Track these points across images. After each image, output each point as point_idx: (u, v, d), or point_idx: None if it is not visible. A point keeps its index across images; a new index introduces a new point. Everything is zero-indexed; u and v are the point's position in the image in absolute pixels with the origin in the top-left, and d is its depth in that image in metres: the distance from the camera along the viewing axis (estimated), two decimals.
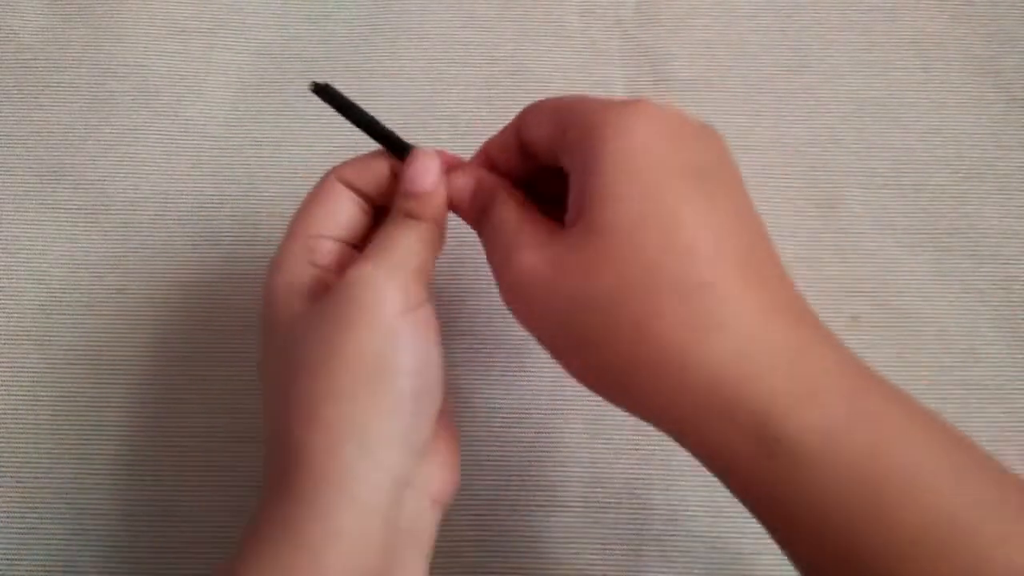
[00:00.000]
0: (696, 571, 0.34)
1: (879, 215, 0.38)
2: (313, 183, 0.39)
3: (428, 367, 0.26)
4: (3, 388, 0.37)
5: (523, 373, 0.36)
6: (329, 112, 0.40)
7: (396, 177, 0.29)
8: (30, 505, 0.35)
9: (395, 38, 0.42)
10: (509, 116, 0.40)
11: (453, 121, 0.40)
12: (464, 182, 0.28)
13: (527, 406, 0.36)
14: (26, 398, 0.37)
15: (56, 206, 0.39)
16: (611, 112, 0.24)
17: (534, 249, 0.24)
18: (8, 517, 0.35)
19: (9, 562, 0.35)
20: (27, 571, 0.35)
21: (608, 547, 0.34)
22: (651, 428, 0.34)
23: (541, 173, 0.28)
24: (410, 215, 0.27)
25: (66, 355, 0.37)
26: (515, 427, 0.36)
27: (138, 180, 0.39)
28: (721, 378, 0.21)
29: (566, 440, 0.35)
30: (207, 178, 0.40)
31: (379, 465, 0.24)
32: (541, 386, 0.36)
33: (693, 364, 0.22)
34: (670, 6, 0.42)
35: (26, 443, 0.36)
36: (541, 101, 0.27)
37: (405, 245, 0.27)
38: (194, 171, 0.40)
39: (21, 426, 0.36)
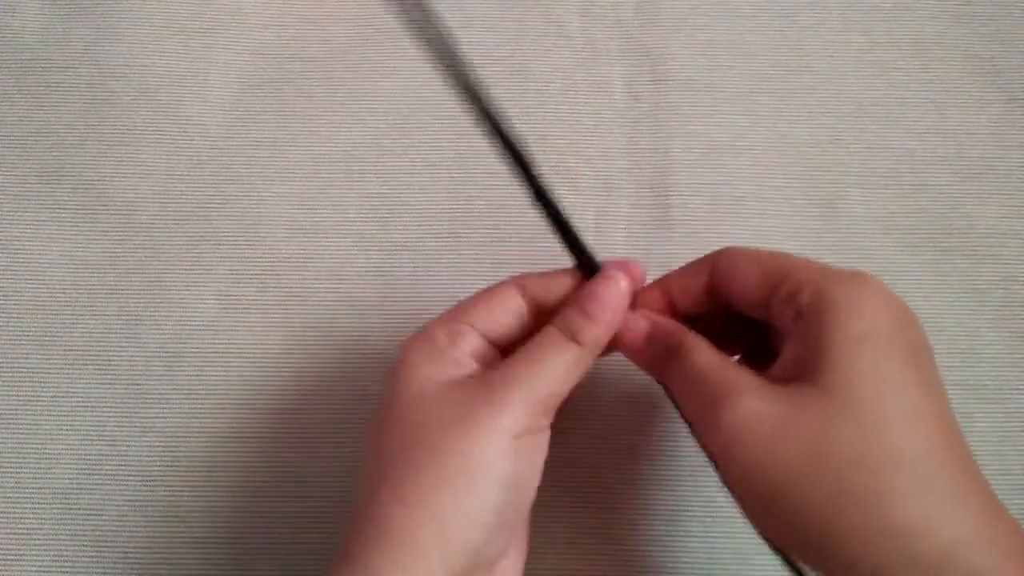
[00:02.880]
0: (696, 571, 0.34)
1: (879, 215, 0.38)
2: (313, 183, 0.39)
3: (521, 490, 0.26)
4: (3, 388, 0.37)
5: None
6: (329, 112, 0.41)
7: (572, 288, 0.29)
8: (30, 505, 0.35)
9: (395, 38, 0.41)
10: (509, 116, 0.40)
11: (453, 121, 0.40)
12: (638, 322, 0.28)
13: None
14: (26, 398, 0.37)
15: (56, 206, 0.39)
16: (845, 286, 0.25)
17: (759, 395, 0.24)
18: (8, 517, 0.35)
19: (9, 562, 0.35)
20: (27, 571, 0.35)
21: (608, 547, 0.34)
22: (651, 428, 0.34)
23: (723, 317, 0.28)
24: (573, 337, 0.27)
25: (66, 355, 0.37)
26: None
27: (138, 180, 0.39)
28: (951, 557, 0.22)
29: (566, 440, 0.35)
30: (207, 178, 0.40)
31: (448, 563, 0.24)
32: None
33: (924, 545, 0.22)
34: (670, 6, 0.42)
35: (26, 443, 0.36)
36: (740, 252, 0.28)
37: (554, 370, 0.27)
38: (194, 171, 0.40)
39: (21, 426, 0.36)
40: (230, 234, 0.39)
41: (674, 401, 0.28)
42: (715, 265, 0.28)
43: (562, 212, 0.29)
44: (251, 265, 0.38)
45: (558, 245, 0.29)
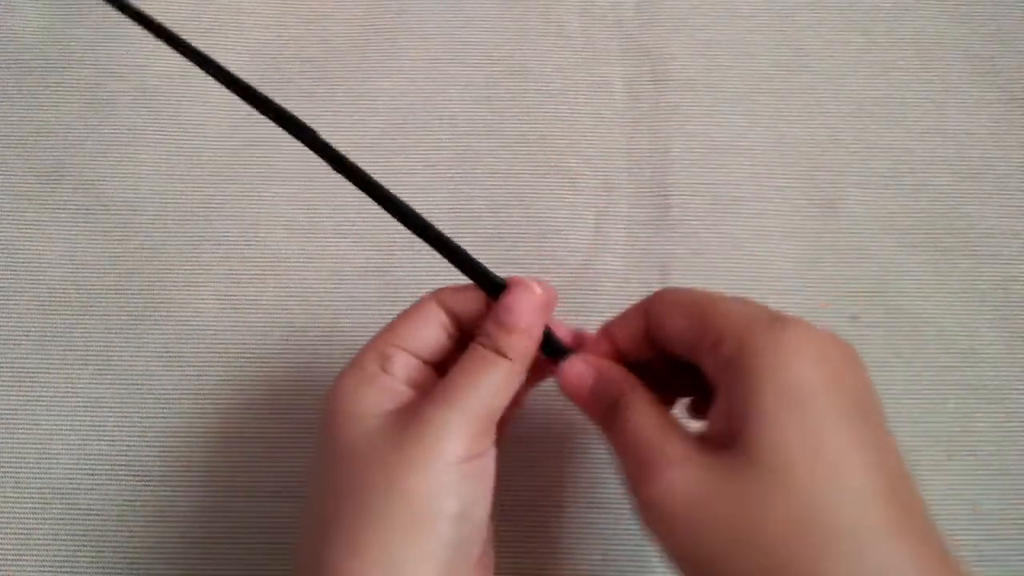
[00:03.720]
0: None
1: (879, 215, 0.38)
2: (313, 183, 0.39)
3: (473, 519, 0.26)
4: (3, 388, 0.37)
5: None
6: (329, 112, 0.41)
7: (489, 307, 0.28)
8: (30, 505, 0.35)
9: (395, 38, 0.42)
10: (508, 116, 0.40)
11: (453, 121, 0.40)
12: (582, 370, 0.28)
13: (527, 407, 0.36)
14: (26, 398, 0.37)
15: (56, 206, 0.39)
16: (771, 335, 0.23)
17: (683, 468, 0.23)
18: (8, 517, 0.35)
19: (9, 562, 0.35)
20: (26, 571, 0.35)
21: (608, 547, 0.34)
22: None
23: (664, 360, 0.27)
24: (498, 351, 0.26)
25: (66, 355, 0.37)
26: (515, 427, 0.36)
27: (137, 180, 0.39)
28: None
29: (566, 440, 0.35)
30: (207, 178, 0.40)
31: None
32: (540, 387, 0.36)
33: None
34: (670, 6, 0.42)
35: (26, 443, 0.36)
36: (673, 293, 0.27)
37: (486, 387, 0.26)
38: (194, 171, 0.40)
39: (22, 426, 0.36)
40: (230, 234, 0.39)
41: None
42: (649, 310, 0.27)
43: (440, 234, 0.29)
44: (251, 265, 0.38)
45: (465, 268, 0.28)
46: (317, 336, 0.37)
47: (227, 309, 0.38)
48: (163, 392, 0.37)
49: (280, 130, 0.41)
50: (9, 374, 0.37)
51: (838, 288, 0.37)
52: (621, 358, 0.28)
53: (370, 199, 0.29)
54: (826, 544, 0.21)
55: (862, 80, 0.40)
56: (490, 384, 0.26)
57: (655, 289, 0.37)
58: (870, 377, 0.24)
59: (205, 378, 0.37)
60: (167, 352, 0.37)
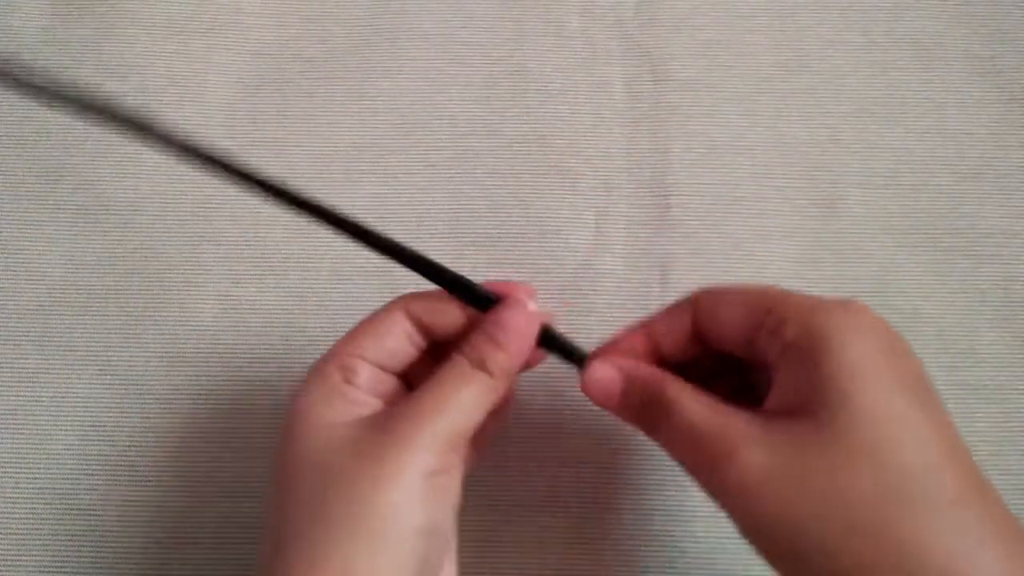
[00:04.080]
0: (696, 571, 0.34)
1: (879, 215, 0.38)
2: (313, 183, 0.39)
3: (438, 536, 0.25)
4: (3, 388, 0.37)
5: (523, 373, 0.36)
6: (329, 112, 0.41)
7: (471, 320, 0.27)
8: (29, 506, 0.35)
9: (395, 38, 0.42)
10: (508, 116, 0.40)
11: (453, 121, 0.40)
12: (608, 374, 0.27)
13: (527, 405, 0.36)
14: (26, 398, 0.37)
15: (56, 206, 0.39)
16: (835, 316, 0.24)
17: (758, 446, 0.23)
18: (8, 517, 0.35)
19: (9, 562, 0.35)
20: (26, 571, 0.35)
21: (608, 547, 0.34)
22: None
23: (706, 359, 0.27)
24: (481, 366, 0.26)
25: (66, 355, 0.37)
26: (515, 427, 0.36)
27: (138, 180, 0.39)
28: None
29: (566, 440, 0.35)
30: (207, 178, 0.39)
31: None
32: (541, 386, 0.36)
33: None
34: (670, 6, 0.42)
35: (26, 443, 0.36)
36: (721, 291, 0.27)
37: (462, 404, 0.25)
38: (194, 171, 0.40)
39: (21, 426, 0.36)
40: (230, 234, 0.39)
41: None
42: (698, 305, 0.27)
43: (419, 255, 0.28)
44: (251, 265, 0.38)
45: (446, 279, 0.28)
46: (317, 336, 0.37)
47: (227, 309, 0.38)
48: (163, 392, 0.37)
49: (280, 131, 0.41)
50: (9, 374, 0.37)
51: (838, 288, 0.37)
52: (658, 359, 0.28)
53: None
54: (912, 507, 0.22)
55: (862, 80, 0.40)
56: (466, 401, 0.26)
57: (655, 289, 0.37)
58: (920, 362, 0.25)
59: (205, 378, 0.37)
60: (167, 352, 0.37)
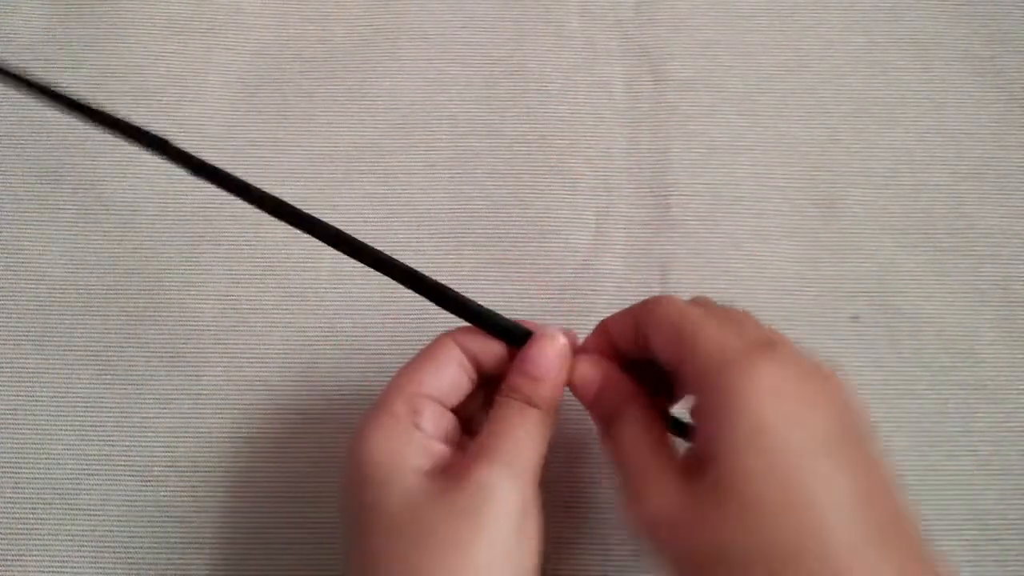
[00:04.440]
0: None
1: (879, 215, 0.38)
2: (313, 183, 0.39)
3: (530, 571, 0.26)
4: (3, 388, 0.37)
5: None
6: (329, 112, 0.41)
7: (512, 353, 0.28)
8: (29, 506, 0.35)
9: (395, 38, 0.42)
10: (508, 116, 0.40)
11: (453, 121, 0.40)
12: (589, 373, 0.28)
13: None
14: (26, 398, 0.37)
15: (56, 206, 0.39)
16: (738, 372, 0.24)
17: (667, 492, 0.25)
18: (8, 517, 0.35)
19: (8, 562, 0.35)
20: (27, 571, 0.35)
21: (608, 547, 0.34)
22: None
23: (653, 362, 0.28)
24: (528, 402, 0.27)
25: (66, 355, 0.37)
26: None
27: (138, 180, 0.39)
28: None
29: (567, 440, 0.35)
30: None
31: None
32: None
33: None
34: (670, 6, 0.42)
35: (26, 443, 0.36)
36: (662, 307, 0.27)
37: (526, 439, 0.27)
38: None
39: (21, 426, 0.36)
40: (230, 234, 0.39)
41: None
42: (637, 318, 0.28)
43: (475, 305, 0.28)
44: (251, 265, 0.38)
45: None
46: (317, 336, 0.37)
47: (227, 309, 0.38)
48: (163, 392, 0.37)
49: (280, 131, 0.41)
50: (9, 374, 0.37)
51: (838, 288, 0.37)
52: (619, 354, 0.29)
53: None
54: (797, 568, 0.22)
55: (862, 80, 0.40)
56: (529, 436, 0.27)
57: (655, 289, 0.37)
58: (850, 397, 0.25)
59: (205, 378, 0.37)
60: (167, 352, 0.37)
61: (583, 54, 0.41)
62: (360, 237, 0.38)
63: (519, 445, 0.26)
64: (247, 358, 0.37)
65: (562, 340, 0.28)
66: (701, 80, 0.40)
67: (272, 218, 0.39)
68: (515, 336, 0.28)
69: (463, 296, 0.29)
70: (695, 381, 0.25)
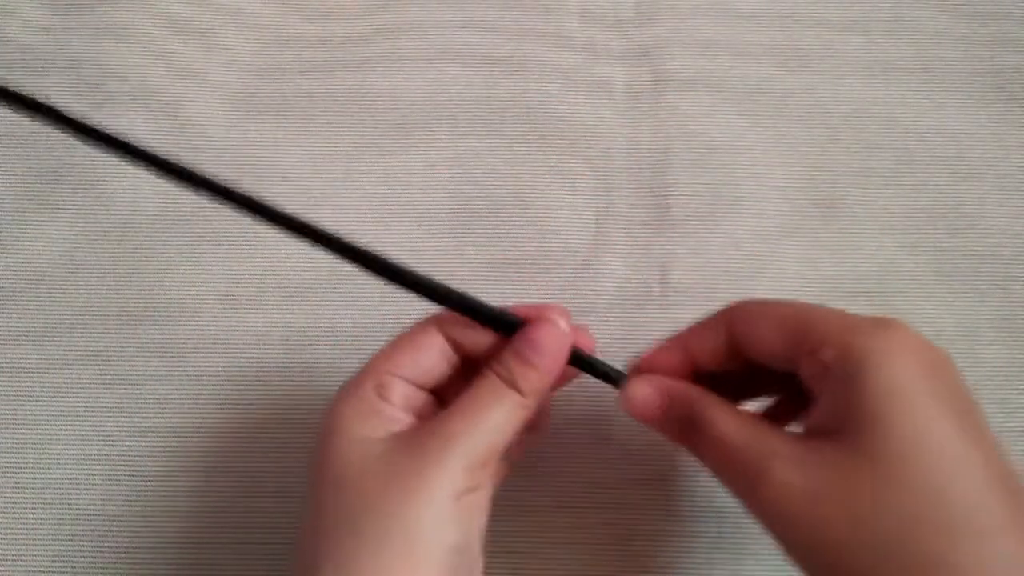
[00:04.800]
0: (696, 571, 0.34)
1: (879, 215, 0.38)
2: (313, 183, 0.39)
3: (469, 549, 0.25)
4: (3, 388, 0.37)
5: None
6: (329, 112, 0.41)
7: (503, 340, 0.27)
8: (29, 506, 0.35)
9: (395, 38, 0.42)
10: (508, 116, 0.40)
11: (453, 121, 0.40)
12: (649, 394, 0.27)
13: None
14: (26, 398, 0.37)
15: (56, 206, 0.39)
16: (874, 337, 0.24)
17: (794, 464, 0.23)
18: (7, 518, 0.35)
19: (8, 563, 0.35)
20: (26, 572, 0.35)
21: (608, 547, 0.34)
22: (651, 430, 0.34)
23: (742, 369, 0.27)
24: (512, 386, 0.26)
25: (65, 355, 0.37)
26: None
27: (138, 180, 0.39)
28: None
29: (567, 440, 0.35)
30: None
31: None
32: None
33: None
34: (670, 6, 0.42)
35: (25, 443, 0.36)
36: (757, 306, 0.27)
37: (493, 423, 0.26)
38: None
39: (21, 426, 0.36)
40: (230, 234, 0.39)
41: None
42: (731, 323, 0.27)
43: (468, 297, 0.28)
44: (251, 265, 0.38)
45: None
46: (317, 336, 0.37)
47: (227, 309, 0.38)
48: (163, 392, 0.37)
49: (280, 131, 0.41)
50: (9, 374, 0.37)
51: (838, 288, 0.37)
52: (693, 371, 0.28)
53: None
54: (950, 536, 0.21)
55: (862, 80, 0.40)
56: (496, 420, 0.26)
57: (655, 289, 0.37)
58: (962, 379, 0.25)
59: (205, 378, 0.37)
60: (167, 352, 0.37)
61: (583, 54, 0.41)
62: (360, 237, 0.39)
63: (483, 429, 0.25)
64: (247, 358, 0.37)
65: (564, 327, 0.27)
66: (701, 80, 0.40)
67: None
68: (508, 325, 0.28)
69: (453, 289, 0.28)
70: (820, 358, 0.24)
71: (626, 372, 0.29)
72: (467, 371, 0.28)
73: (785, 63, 0.41)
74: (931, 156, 0.39)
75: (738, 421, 0.25)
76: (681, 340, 0.28)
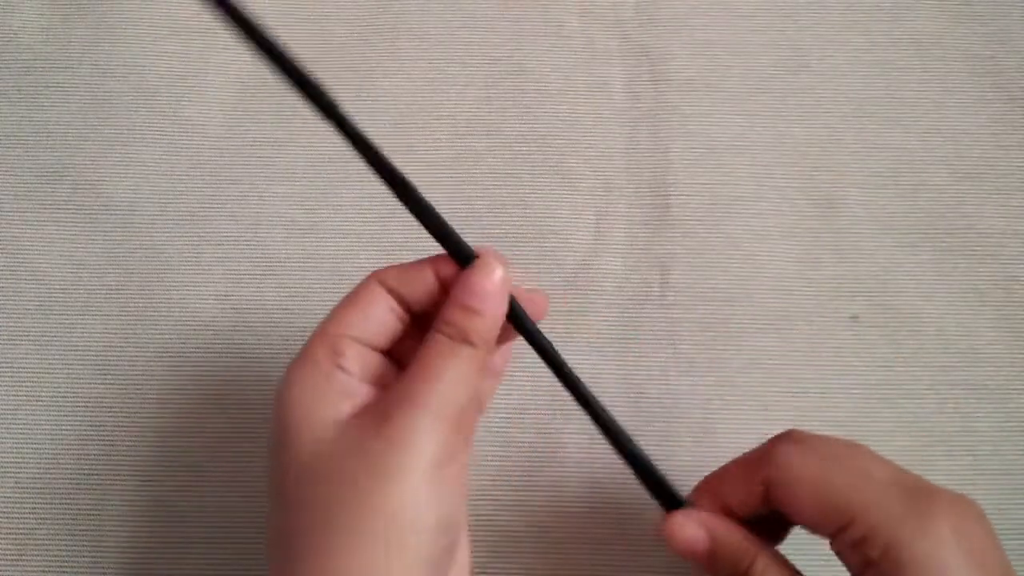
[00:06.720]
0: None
1: (879, 215, 0.38)
2: (313, 183, 0.39)
3: (452, 526, 0.24)
4: (3, 388, 0.37)
5: (524, 373, 0.36)
6: None
7: (444, 287, 0.26)
8: (29, 506, 0.35)
9: (395, 38, 0.42)
10: (508, 116, 0.40)
11: (452, 121, 0.40)
12: (696, 534, 0.27)
13: (528, 406, 0.36)
14: (26, 398, 0.37)
15: (56, 206, 0.39)
16: (923, 541, 0.23)
17: None
18: (7, 518, 0.35)
19: (9, 563, 0.35)
20: (26, 572, 0.35)
21: (608, 547, 0.34)
22: (651, 431, 0.34)
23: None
24: (462, 338, 0.25)
25: (66, 355, 0.37)
26: (516, 427, 0.36)
27: (138, 180, 0.39)
28: None
29: (567, 440, 0.35)
30: (207, 178, 0.40)
31: None
32: (541, 386, 0.36)
33: None
34: (670, 6, 0.42)
35: (25, 443, 0.36)
36: (797, 466, 0.26)
37: (454, 380, 0.24)
38: (194, 171, 0.40)
39: (20, 426, 0.36)
40: (230, 234, 0.39)
41: None
42: (768, 483, 0.26)
43: (434, 211, 0.27)
44: (251, 265, 0.38)
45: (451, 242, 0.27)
46: None
47: (227, 309, 0.38)
48: (163, 392, 0.37)
49: (280, 131, 0.41)
50: (9, 374, 0.37)
51: (838, 288, 0.37)
52: (731, 513, 0.28)
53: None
54: None
55: (862, 80, 0.40)
56: (456, 376, 0.24)
57: (655, 289, 0.37)
58: (997, 536, 0.25)
59: (205, 378, 0.37)
60: (167, 352, 0.37)
61: (583, 54, 0.41)
62: (360, 236, 0.39)
63: (445, 386, 0.24)
64: (247, 358, 0.37)
65: (499, 271, 0.26)
66: (701, 80, 0.40)
67: (272, 216, 0.39)
68: (464, 257, 0.26)
69: (425, 200, 0.27)
70: (856, 544, 0.24)
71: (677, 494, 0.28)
72: (417, 330, 0.27)
73: (785, 63, 0.41)
74: (931, 156, 0.39)
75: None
76: (713, 486, 0.28)
